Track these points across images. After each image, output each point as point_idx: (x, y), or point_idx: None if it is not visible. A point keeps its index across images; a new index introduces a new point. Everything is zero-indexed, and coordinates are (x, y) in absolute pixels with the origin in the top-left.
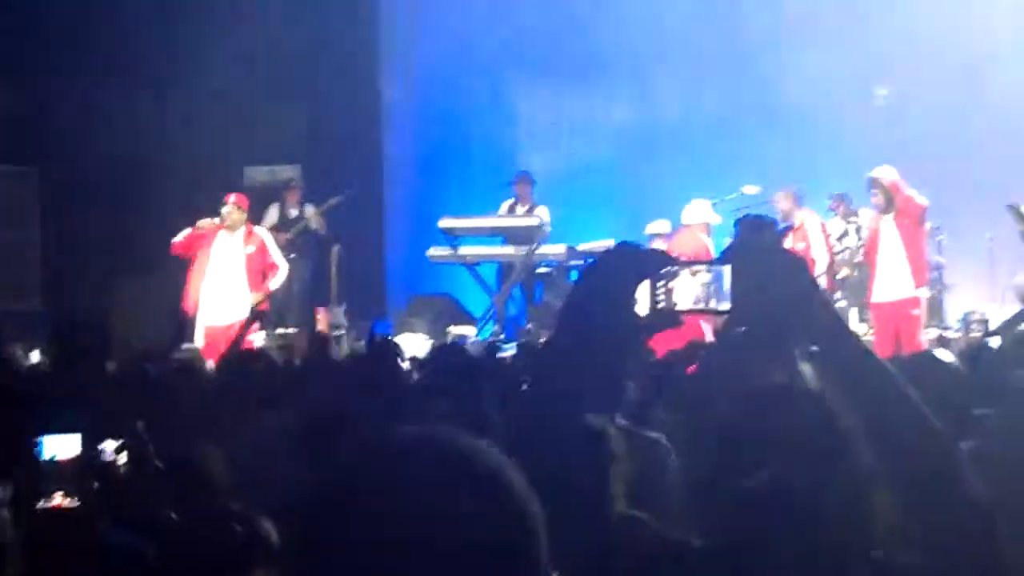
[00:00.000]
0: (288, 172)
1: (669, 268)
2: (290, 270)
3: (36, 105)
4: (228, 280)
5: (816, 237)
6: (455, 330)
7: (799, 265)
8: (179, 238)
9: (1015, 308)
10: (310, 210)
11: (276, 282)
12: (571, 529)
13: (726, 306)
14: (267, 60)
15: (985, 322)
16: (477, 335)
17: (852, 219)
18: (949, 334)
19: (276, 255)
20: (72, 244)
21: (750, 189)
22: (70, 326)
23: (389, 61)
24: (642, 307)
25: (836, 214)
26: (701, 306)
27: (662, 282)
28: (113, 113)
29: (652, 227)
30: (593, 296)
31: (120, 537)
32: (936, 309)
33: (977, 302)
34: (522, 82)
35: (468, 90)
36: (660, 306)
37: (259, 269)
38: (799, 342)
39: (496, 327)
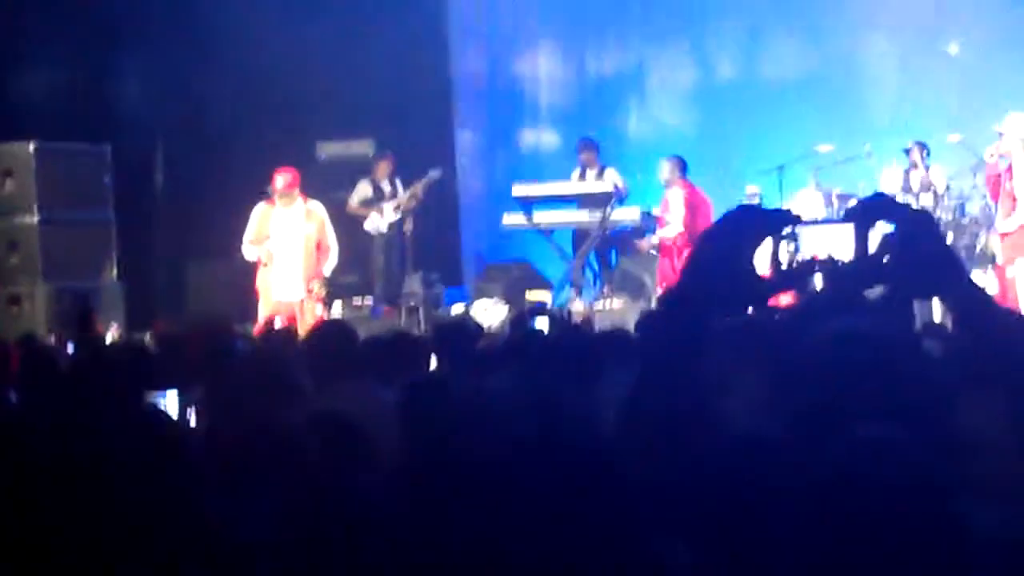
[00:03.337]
0: (362, 146)
1: (793, 227)
2: (385, 243)
3: (106, 84)
4: (289, 256)
5: (676, 206)
6: (531, 296)
7: (931, 220)
8: (248, 244)
9: None
10: (413, 188)
11: (329, 267)
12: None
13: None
14: (334, 36)
15: None
16: (553, 301)
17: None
18: None
19: (330, 236)
20: (147, 222)
21: (824, 148)
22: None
23: (458, 29)
24: (763, 267)
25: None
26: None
27: (785, 241)
28: (183, 90)
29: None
30: (715, 256)
31: None
32: None
33: None
34: (591, 46)
35: (537, 57)
36: (783, 266)
37: (318, 248)
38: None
39: (572, 292)
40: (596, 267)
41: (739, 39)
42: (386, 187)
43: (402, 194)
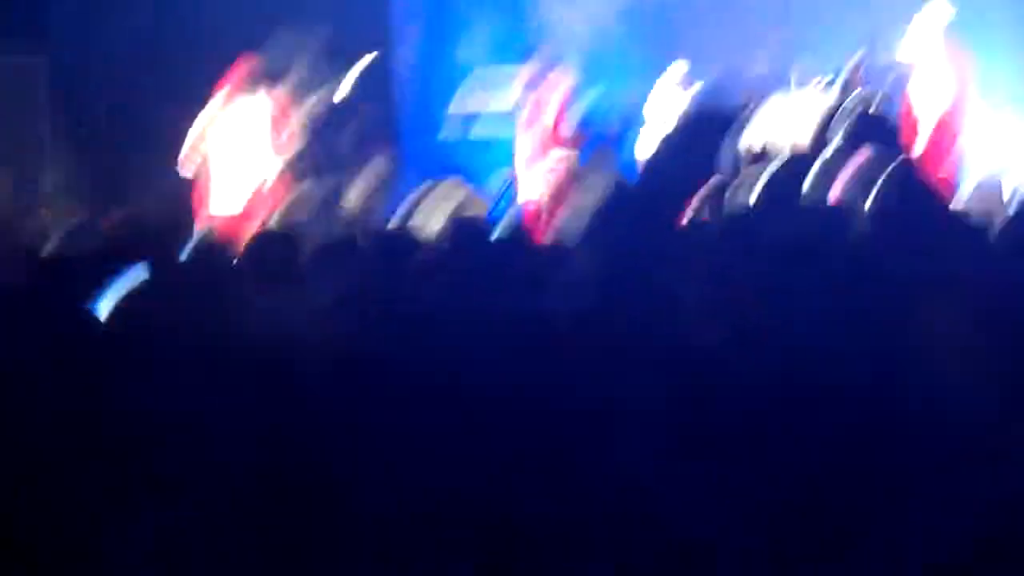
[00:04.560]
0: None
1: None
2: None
3: None
4: (234, 164)
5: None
6: (469, 209)
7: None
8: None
9: None
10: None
11: (273, 174)
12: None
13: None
14: None
15: None
16: (492, 213)
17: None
18: None
19: (276, 140)
20: (84, 137)
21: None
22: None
23: None
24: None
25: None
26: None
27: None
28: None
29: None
30: (682, 145)
31: None
32: None
33: None
34: None
35: None
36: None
37: (263, 153)
38: None
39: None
40: None
41: None
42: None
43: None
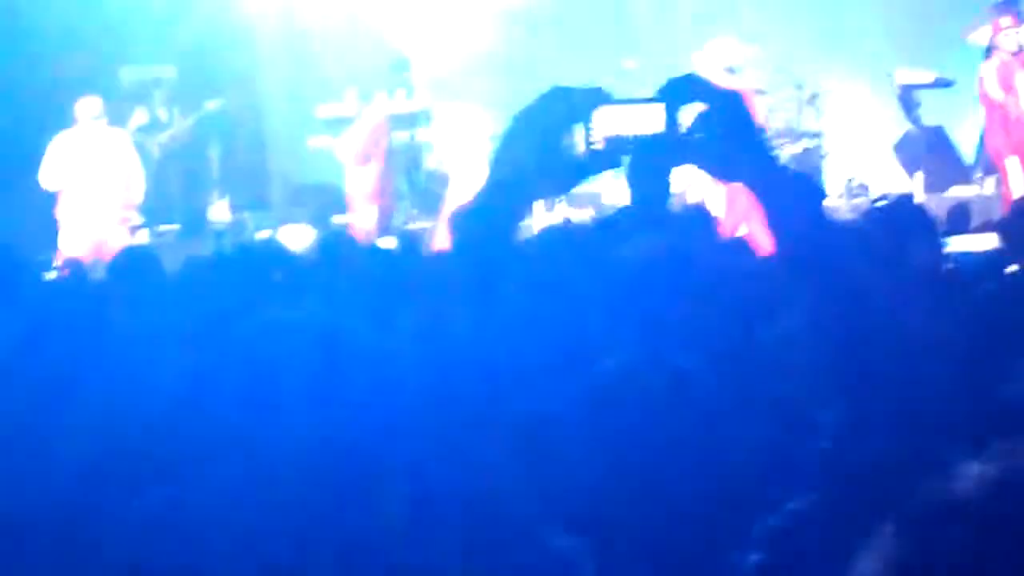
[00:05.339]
0: (164, 71)
1: (606, 106)
2: (167, 169)
3: None
4: (95, 186)
5: None
6: (339, 219)
7: (740, 99)
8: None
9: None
10: (188, 119)
11: (135, 195)
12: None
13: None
14: None
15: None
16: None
17: None
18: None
19: (136, 164)
20: None
21: (629, 64)
22: None
23: None
24: (577, 148)
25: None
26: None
27: (599, 122)
28: None
29: None
30: (527, 136)
31: None
32: None
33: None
34: None
35: None
36: (596, 146)
37: (124, 176)
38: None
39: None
40: (405, 188)
41: None
42: (162, 115)
43: (178, 123)
